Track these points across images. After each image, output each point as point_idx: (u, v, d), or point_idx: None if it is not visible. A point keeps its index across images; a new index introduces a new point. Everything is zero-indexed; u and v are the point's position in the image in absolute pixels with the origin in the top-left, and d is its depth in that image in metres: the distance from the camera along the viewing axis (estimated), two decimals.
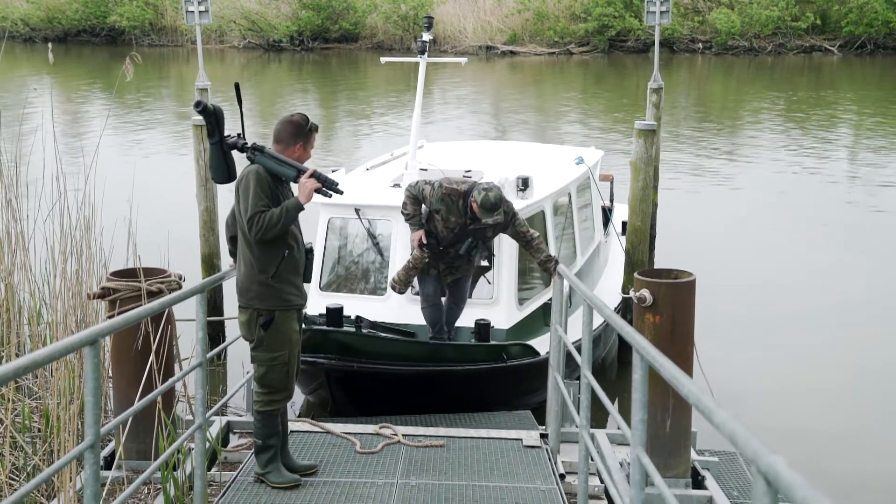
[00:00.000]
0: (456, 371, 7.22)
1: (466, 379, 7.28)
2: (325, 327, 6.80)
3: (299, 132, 5.22)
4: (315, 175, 5.14)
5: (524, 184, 8.06)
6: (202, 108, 5.13)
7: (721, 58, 39.80)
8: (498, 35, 42.30)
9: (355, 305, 7.60)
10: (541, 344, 7.70)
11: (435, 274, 7.42)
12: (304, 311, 5.51)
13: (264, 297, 5.16)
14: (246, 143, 5.20)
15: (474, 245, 7.23)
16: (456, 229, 7.17)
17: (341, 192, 5.29)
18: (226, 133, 5.22)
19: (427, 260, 7.24)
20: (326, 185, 5.17)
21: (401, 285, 7.28)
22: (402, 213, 7.31)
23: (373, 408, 7.04)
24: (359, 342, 6.83)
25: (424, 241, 7.19)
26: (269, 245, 5.13)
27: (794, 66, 37.83)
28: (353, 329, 6.97)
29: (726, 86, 34.93)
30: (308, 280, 5.43)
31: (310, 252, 5.41)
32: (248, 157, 5.18)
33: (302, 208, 5.14)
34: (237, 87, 5.26)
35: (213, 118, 5.15)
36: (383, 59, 10.03)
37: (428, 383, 7.14)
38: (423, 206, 7.26)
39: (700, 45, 40.88)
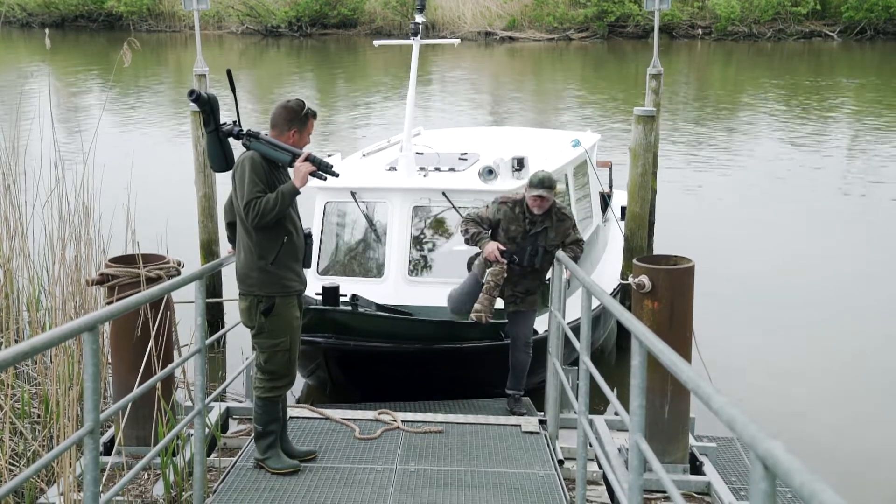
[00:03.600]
0: (453, 349, 7.22)
1: (464, 357, 7.28)
2: (321, 306, 6.78)
3: (294, 117, 5.18)
4: (310, 158, 5.12)
5: (520, 164, 8.06)
6: (196, 97, 5.10)
7: (721, 43, 39.70)
8: (497, 21, 42.16)
9: (353, 288, 7.60)
10: (538, 324, 7.72)
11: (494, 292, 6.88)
12: (303, 296, 5.49)
13: (264, 284, 5.14)
14: (241, 130, 5.17)
15: (535, 252, 6.81)
16: (518, 238, 6.85)
17: (336, 175, 5.27)
18: (222, 121, 5.21)
19: (506, 275, 6.76)
20: (321, 168, 5.15)
21: (486, 313, 6.74)
22: (465, 239, 7.02)
23: (370, 387, 7.05)
24: (355, 321, 6.83)
25: (503, 248, 6.76)
26: (268, 231, 5.11)
27: (794, 51, 37.74)
28: (349, 308, 6.96)
29: (726, 72, 34.86)
30: (308, 265, 5.41)
31: (308, 237, 5.38)
32: (244, 144, 5.16)
33: (298, 192, 5.11)
34: (229, 73, 5.23)
35: (207, 107, 5.12)
36: (377, 42, 10.08)
37: (425, 362, 7.15)
38: (485, 229, 6.92)
39: (700, 30, 40.77)
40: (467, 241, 6.98)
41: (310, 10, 44.22)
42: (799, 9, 39.57)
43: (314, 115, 5.30)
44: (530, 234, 6.85)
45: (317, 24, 44.71)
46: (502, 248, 6.77)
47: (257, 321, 5.20)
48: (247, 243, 5.17)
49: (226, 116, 5.31)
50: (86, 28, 48.15)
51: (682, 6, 40.27)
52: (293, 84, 31.13)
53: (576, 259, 6.74)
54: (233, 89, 5.19)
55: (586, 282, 5.27)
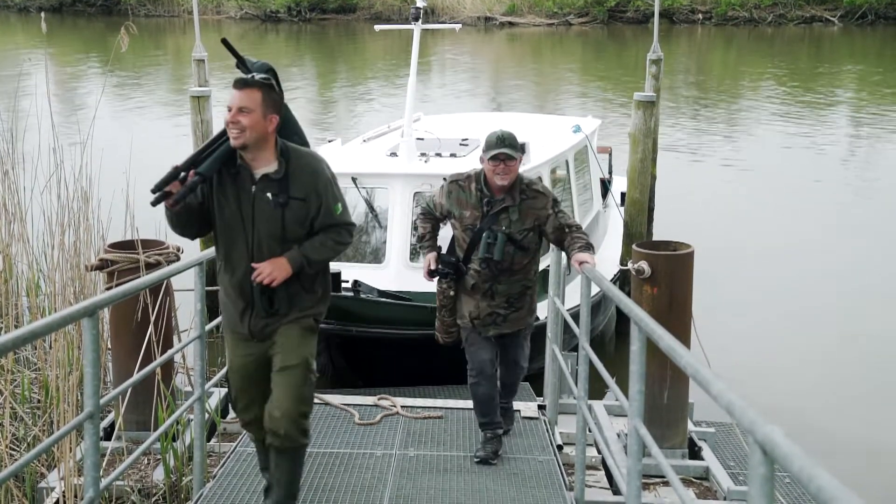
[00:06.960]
0: None
1: None
2: None
3: None
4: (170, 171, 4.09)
5: (521, 149, 8.02)
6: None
7: (721, 28, 39.57)
8: (496, 6, 42.01)
9: (354, 274, 7.60)
10: (539, 311, 7.72)
11: (479, 324, 5.35)
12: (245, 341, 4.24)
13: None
14: None
15: (492, 239, 5.13)
16: (476, 225, 5.21)
17: (154, 204, 4.22)
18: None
19: (452, 293, 5.36)
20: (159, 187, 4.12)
21: (443, 335, 5.58)
22: (417, 238, 6.38)
23: (371, 373, 7.05)
24: (357, 307, 6.83)
25: (433, 267, 5.33)
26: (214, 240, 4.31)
27: (795, 36, 37.63)
28: (351, 294, 6.95)
29: (726, 57, 34.77)
30: (267, 312, 4.14)
31: (256, 285, 4.06)
32: None
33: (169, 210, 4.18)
34: (225, 42, 4.49)
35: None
36: (377, 27, 10.05)
37: (427, 347, 7.15)
38: (442, 222, 5.56)
39: (700, 15, 40.63)
40: (418, 241, 5.85)
41: None
42: None
43: (236, 83, 4.03)
44: (489, 216, 5.18)
45: (316, 9, 44.54)
46: (434, 264, 5.33)
47: None
48: None
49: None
50: (83, 13, 47.97)
51: None
52: (291, 69, 31.03)
53: (575, 233, 5.20)
54: (236, 56, 4.39)
55: (586, 268, 5.25)
